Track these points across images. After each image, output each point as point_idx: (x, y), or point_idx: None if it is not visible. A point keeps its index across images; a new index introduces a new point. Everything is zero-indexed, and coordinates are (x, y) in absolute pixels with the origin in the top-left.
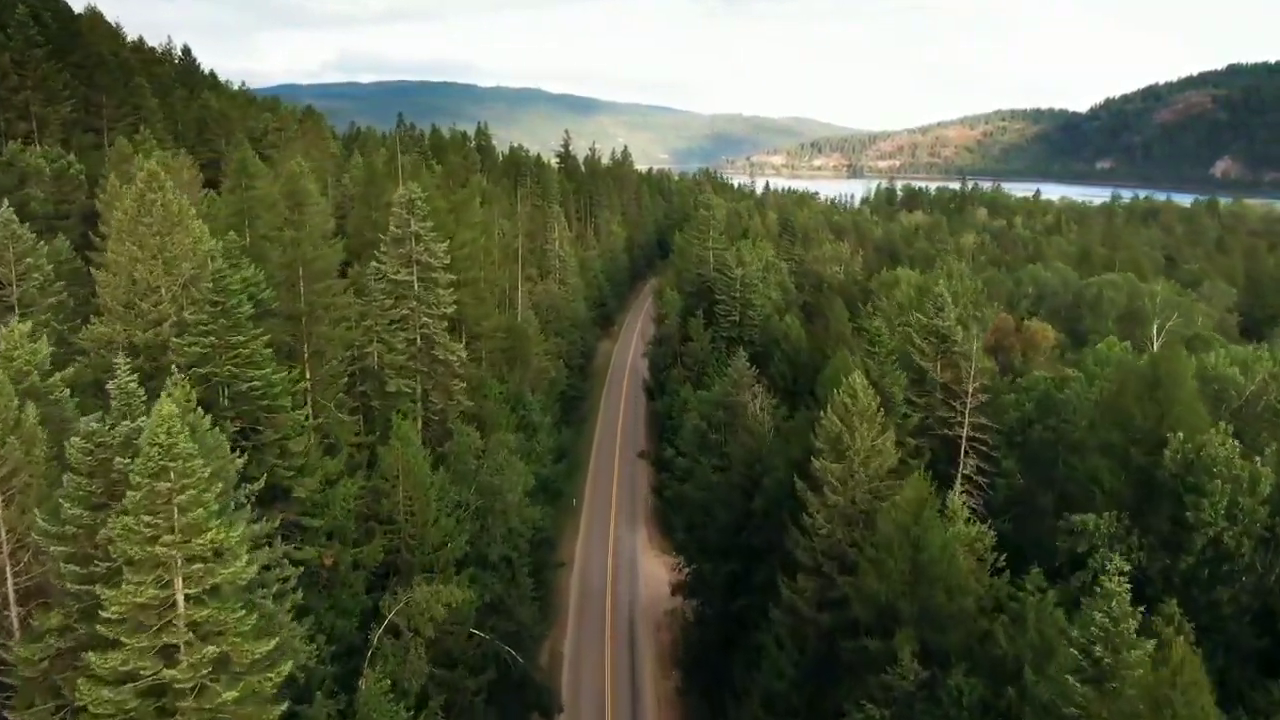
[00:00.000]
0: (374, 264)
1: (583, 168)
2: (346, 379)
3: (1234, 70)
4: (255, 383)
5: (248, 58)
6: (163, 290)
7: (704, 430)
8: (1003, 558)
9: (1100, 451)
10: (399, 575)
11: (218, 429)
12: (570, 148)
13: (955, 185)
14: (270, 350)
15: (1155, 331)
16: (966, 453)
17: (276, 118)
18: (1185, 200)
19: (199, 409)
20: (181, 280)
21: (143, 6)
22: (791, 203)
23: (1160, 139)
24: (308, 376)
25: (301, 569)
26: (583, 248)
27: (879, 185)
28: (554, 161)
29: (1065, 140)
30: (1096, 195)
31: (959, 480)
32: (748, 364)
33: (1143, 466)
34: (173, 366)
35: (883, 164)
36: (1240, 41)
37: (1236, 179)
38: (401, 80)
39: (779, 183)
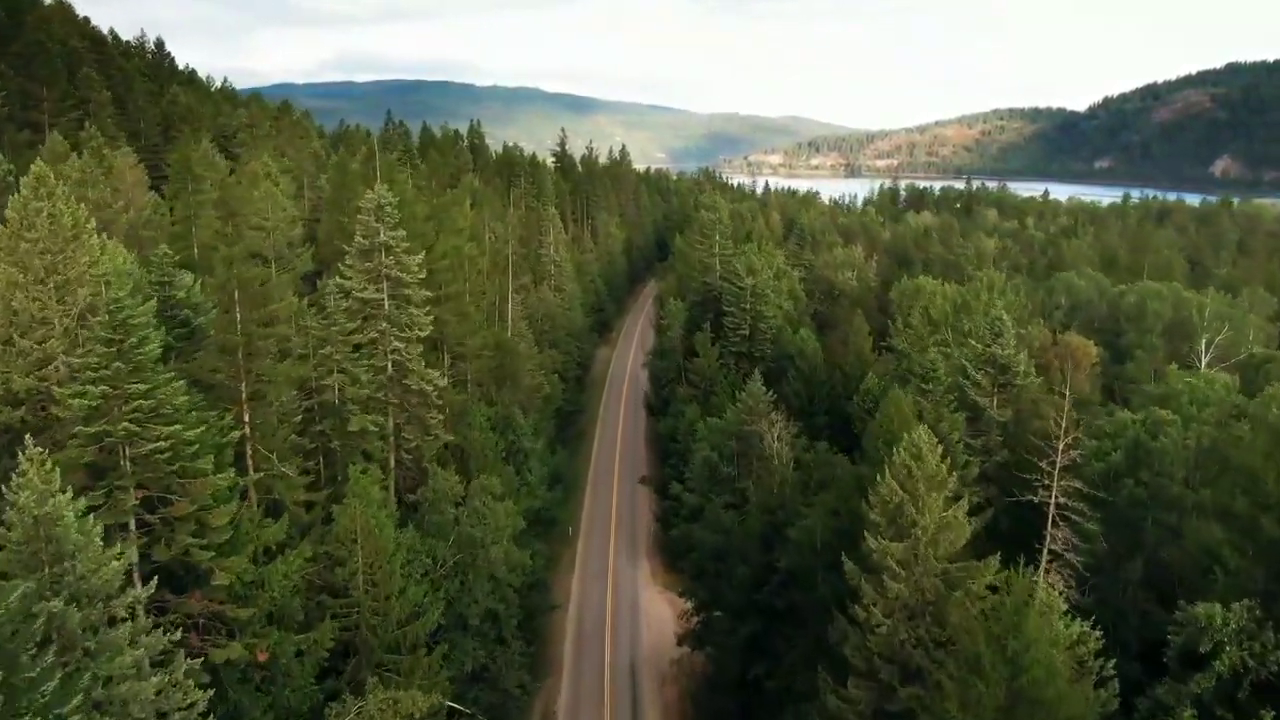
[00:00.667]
0: (336, 279)
1: (579, 167)
2: (301, 417)
3: (1233, 69)
4: (162, 442)
5: (246, 57)
6: (55, 323)
7: (714, 462)
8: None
9: (1217, 518)
10: (358, 656)
11: (91, 517)
12: (567, 147)
13: (959, 185)
14: (186, 398)
15: (1204, 347)
16: (1055, 522)
17: (248, 114)
18: (1185, 199)
19: (65, 492)
20: (76, 310)
21: (138, 6)
22: (796, 204)
23: (1159, 138)
24: (246, 422)
25: (226, 668)
26: (579, 251)
27: (881, 185)
28: (550, 161)
29: (1063, 139)
30: (1098, 195)
31: (1045, 556)
32: (763, 388)
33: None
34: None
35: (881, 163)
36: (1239, 41)
37: (1236, 178)
38: (398, 79)
39: (777, 182)
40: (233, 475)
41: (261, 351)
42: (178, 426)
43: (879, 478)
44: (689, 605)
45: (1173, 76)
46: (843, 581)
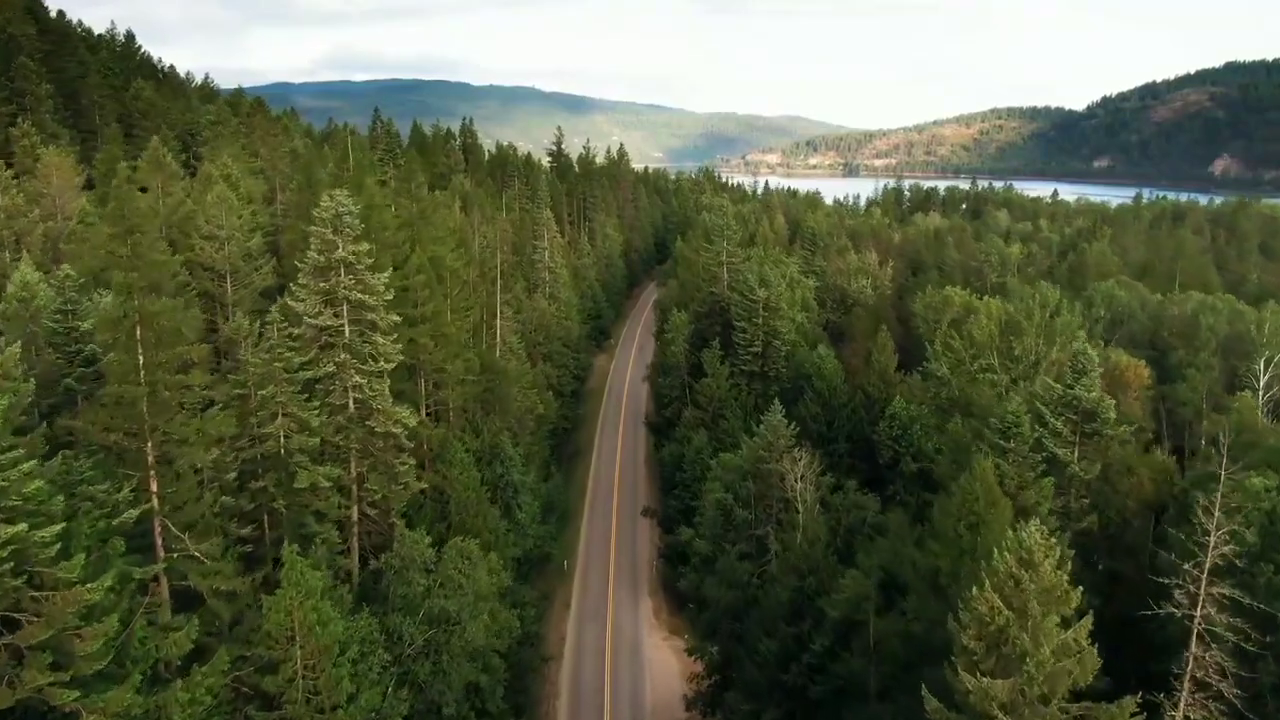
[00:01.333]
0: (284, 301)
1: (576, 167)
2: (237, 473)
3: (1232, 68)
4: (4, 550)
5: (244, 57)
6: None
7: (729, 505)
8: None
9: None
10: None
11: None
12: (563, 146)
13: (963, 184)
14: (40, 484)
15: (1263, 367)
16: (1202, 638)
17: (215, 111)
18: (1199, 200)
19: None
20: None
21: (135, 5)
22: (800, 205)
23: (1158, 137)
24: (153, 492)
25: None
26: (576, 255)
27: (885, 185)
28: (545, 161)
29: (1062, 138)
30: (1099, 194)
31: (1186, 686)
32: (784, 419)
33: None
34: None
35: (878, 162)
36: (1235, 39)
37: (1236, 177)
38: (395, 78)
39: (775, 182)
40: (124, 570)
41: (170, 404)
42: (21, 526)
43: (973, 590)
44: (699, 665)
45: (1171, 76)
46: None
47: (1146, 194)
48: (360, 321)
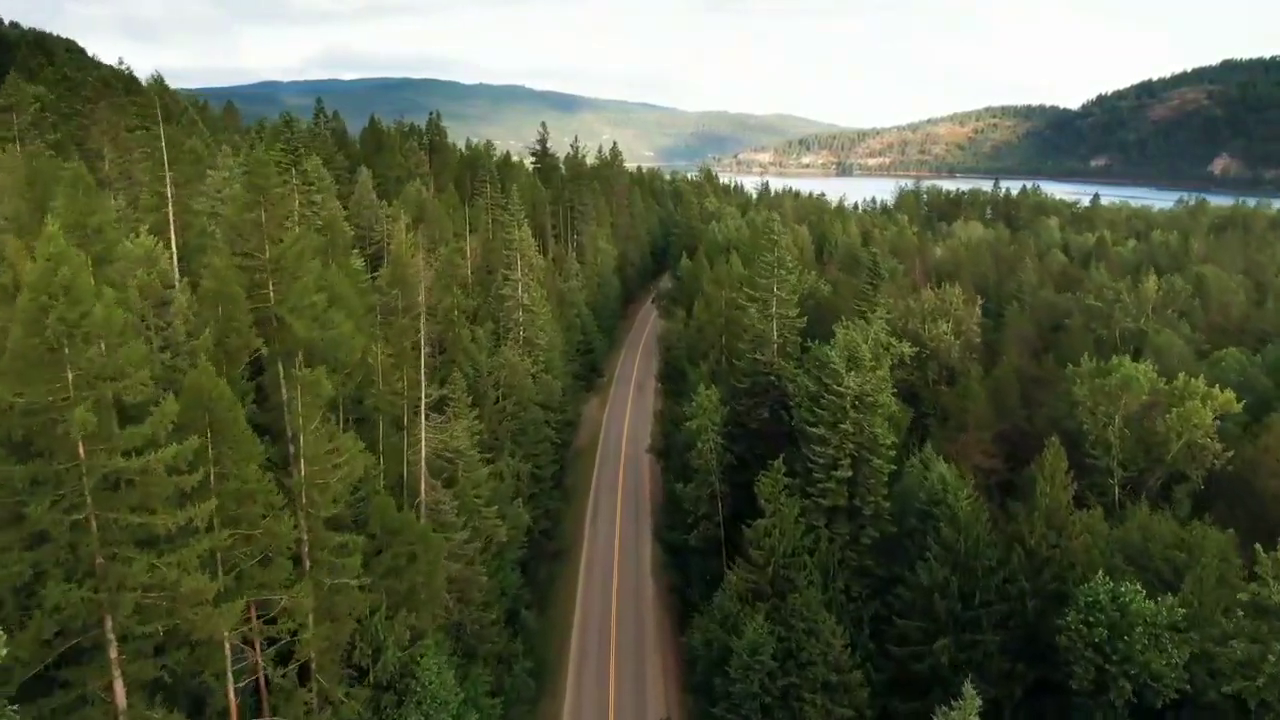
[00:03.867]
0: None
1: (563, 168)
2: None
3: (1228, 66)
4: None
5: (233, 56)
6: None
7: None
8: None
9: None
10: None
11: None
12: (548, 145)
13: (983, 184)
14: None
15: None
16: None
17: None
18: (1246, 203)
19: None
20: None
21: (124, 4)
22: (811, 208)
23: (1156, 136)
24: None
25: None
26: (562, 276)
27: (902, 186)
28: (528, 162)
29: (1058, 137)
30: (1099, 194)
31: None
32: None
33: None
34: None
35: (872, 161)
36: (1230, 39)
37: (1236, 176)
38: (385, 77)
39: (762, 181)
40: None
41: None
42: None
43: None
44: None
45: (1167, 74)
46: None
47: (1147, 194)
48: None
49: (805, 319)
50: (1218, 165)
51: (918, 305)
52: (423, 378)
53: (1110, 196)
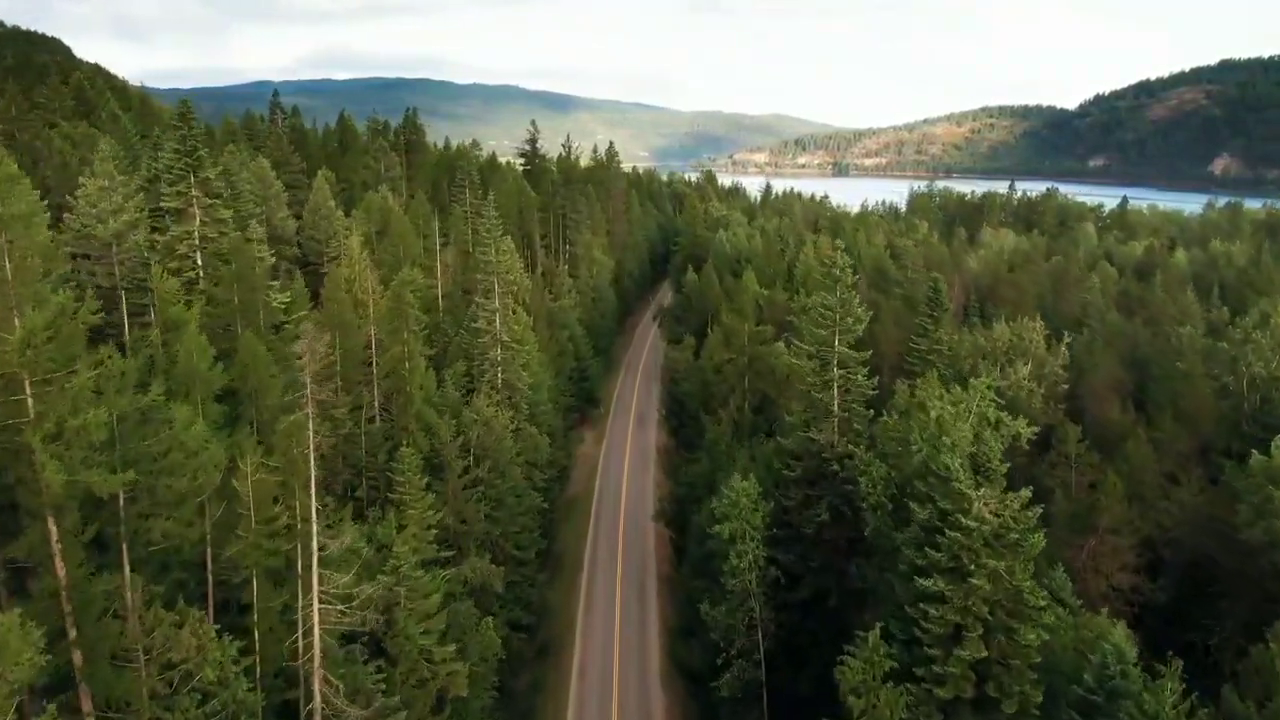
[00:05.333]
0: None
1: (554, 170)
2: None
3: (1227, 66)
4: None
5: (226, 55)
6: None
7: None
8: None
9: None
10: None
11: None
12: (538, 145)
13: (997, 185)
14: None
15: None
16: None
17: None
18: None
19: None
20: None
21: (116, 3)
22: (837, 219)
23: (1154, 136)
24: None
25: None
26: (552, 293)
27: (914, 188)
28: (518, 163)
29: (1055, 137)
30: (1099, 195)
31: None
32: None
33: None
34: None
35: (869, 162)
36: (1228, 39)
37: (1237, 177)
38: (378, 77)
39: (762, 182)
40: None
41: None
42: None
43: None
44: None
45: (1165, 74)
46: None
47: (1147, 195)
48: None
49: (877, 382)
50: (1218, 165)
51: (989, 343)
52: (315, 506)
53: (1110, 197)
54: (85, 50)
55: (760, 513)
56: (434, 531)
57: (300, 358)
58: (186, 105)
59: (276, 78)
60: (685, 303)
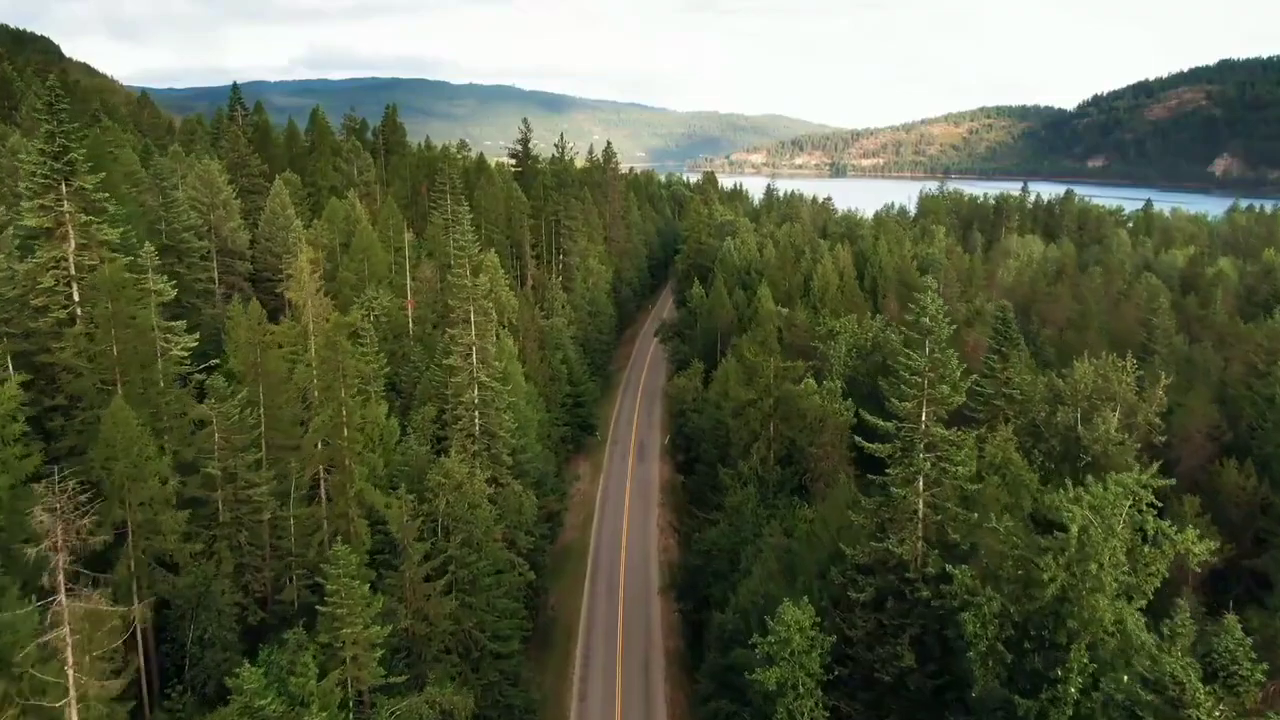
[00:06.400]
0: None
1: (547, 171)
2: None
3: (1226, 66)
4: None
5: (219, 55)
6: None
7: None
8: None
9: None
10: None
11: None
12: (530, 145)
13: (1010, 187)
14: None
15: None
16: None
17: None
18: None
19: None
20: None
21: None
22: (850, 225)
23: (1154, 136)
24: None
25: None
26: (543, 310)
27: (924, 190)
28: (509, 163)
29: (1054, 137)
30: (1099, 195)
31: None
32: None
33: None
34: None
35: (866, 162)
36: (1226, 39)
37: (1238, 177)
38: (373, 77)
39: (760, 182)
40: None
41: None
42: None
43: None
44: None
45: (1164, 74)
46: None
47: (1147, 195)
48: None
49: (981, 485)
50: (1219, 166)
51: (1068, 385)
52: None
53: (1112, 198)
54: (83, 51)
55: (818, 650)
56: (380, 652)
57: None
58: (53, 91)
59: (272, 78)
60: (690, 319)
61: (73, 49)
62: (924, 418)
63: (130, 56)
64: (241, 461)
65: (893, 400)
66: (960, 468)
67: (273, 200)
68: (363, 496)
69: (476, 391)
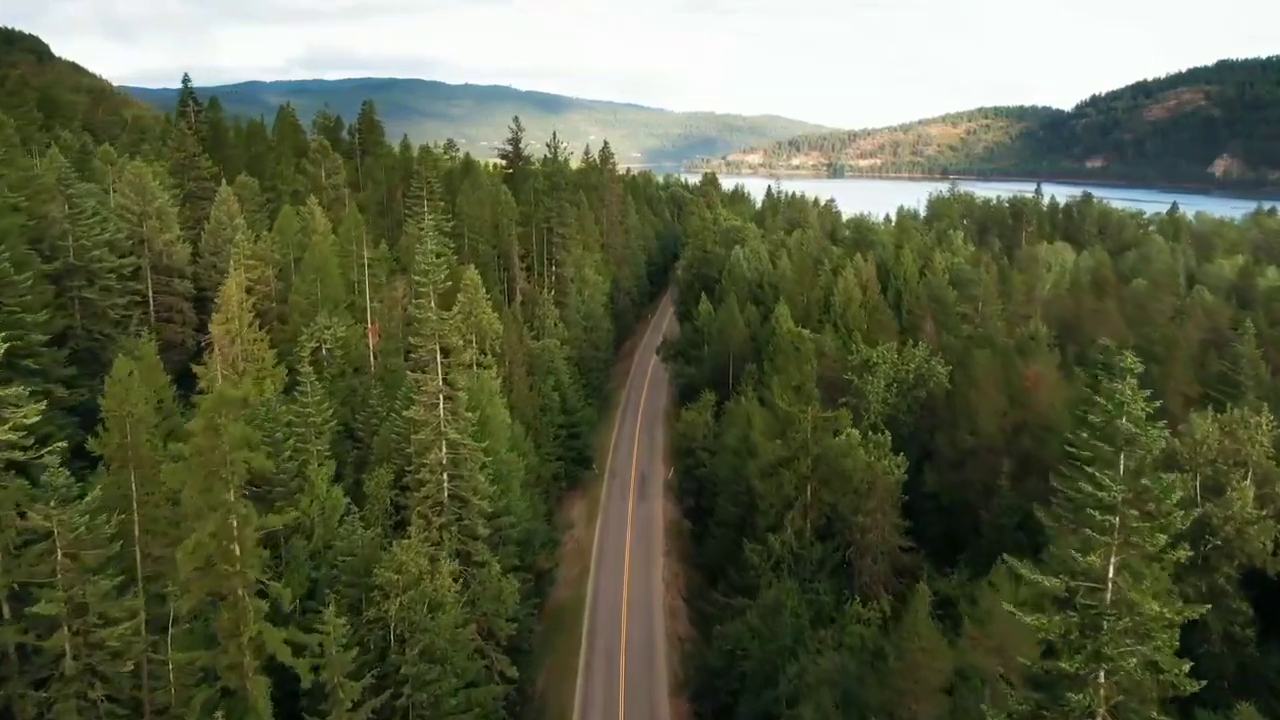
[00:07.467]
0: None
1: (539, 173)
2: None
3: (1224, 66)
4: None
5: (215, 55)
6: None
7: None
8: None
9: None
10: None
11: None
12: (523, 144)
13: (1023, 188)
14: None
15: None
16: None
17: None
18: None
19: None
20: None
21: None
22: (865, 230)
23: (1153, 136)
24: None
25: None
26: (533, 330)
27: (934, 192)
28: (499, 164)
29: (1052, 138)
30: (1099, 195)
31: None
32: None
33: None
34: None
35: (864, 162)
36: (1224, 40)
37: (1239, 177)
38: (370, 77)
39: (759, 183)
40: None
41: None
42: None
43: None
44: None
45: (1162, 74)
46: None
47: (1148, 195)
48: None
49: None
50: (1219, 166)
51: (1188, 446)
52: None
53: (1111, 198)
54: (80, 51)
55: None
56: None
57: None
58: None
59: (268, 78)
60: (695, 338)
61: (70, 50)
62: (1110, 572)
63: (126, 57)
64: (94, 589)
65: (1056, 551)
66: (1165, 655)
67: (218, 208)
68: (264, 641)
69: (444, 450)
